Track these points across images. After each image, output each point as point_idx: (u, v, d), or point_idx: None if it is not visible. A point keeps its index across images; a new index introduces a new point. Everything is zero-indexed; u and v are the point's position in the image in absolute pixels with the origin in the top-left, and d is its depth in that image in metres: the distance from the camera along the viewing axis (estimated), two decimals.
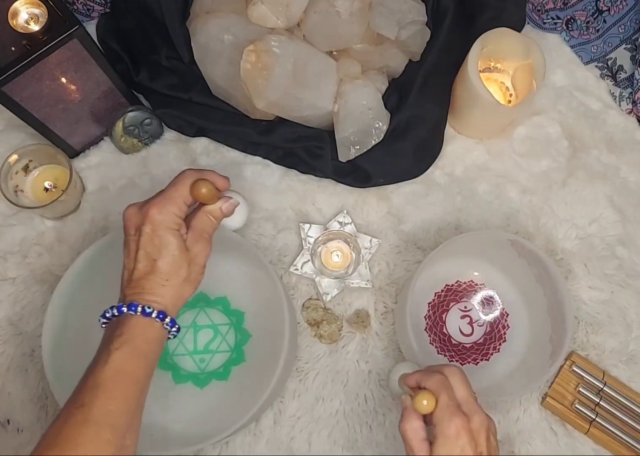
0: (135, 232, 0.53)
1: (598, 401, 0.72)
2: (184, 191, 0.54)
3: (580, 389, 0.72)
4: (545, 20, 0.88)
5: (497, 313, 0.75)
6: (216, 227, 0.56)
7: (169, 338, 0.54)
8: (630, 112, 0.86)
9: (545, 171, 0.82)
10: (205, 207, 0.56)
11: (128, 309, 0.50)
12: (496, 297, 0.76)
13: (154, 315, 0.51)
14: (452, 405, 0.50)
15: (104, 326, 0.53)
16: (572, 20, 0.86)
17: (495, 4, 0.82)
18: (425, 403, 0.50)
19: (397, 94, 0.79)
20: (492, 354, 0.74)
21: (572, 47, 0.88)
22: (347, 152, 0.77)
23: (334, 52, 0.78)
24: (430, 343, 0.75)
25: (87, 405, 0.47)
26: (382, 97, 0.78)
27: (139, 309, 0.50)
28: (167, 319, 0.52)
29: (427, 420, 0.52)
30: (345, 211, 0.78)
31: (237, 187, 0.79)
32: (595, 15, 0.84)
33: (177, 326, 0.53)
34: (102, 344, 0.51)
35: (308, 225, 0.77)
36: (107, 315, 0.52)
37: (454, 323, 0.75)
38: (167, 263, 0.52)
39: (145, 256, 0.52)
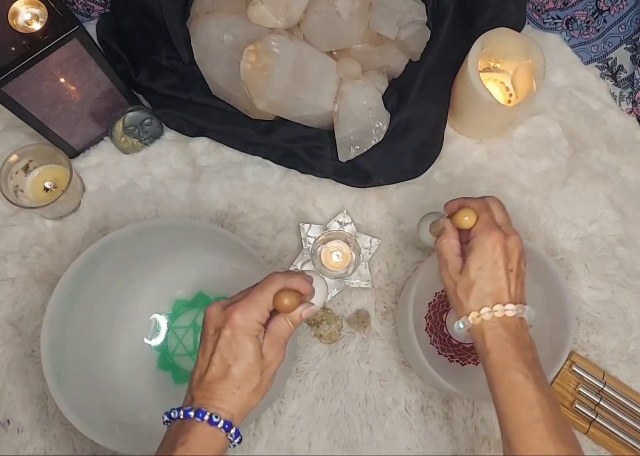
0: (214, 332, 0.50)
1: (598, 401, 0.72)
2: (270, 296, 0.50)
3: (580, 389, 0.72)
4: (545, 20, 0.88)
5: None
6: (293, 332, 0.53)
7: (232, 446, 0.51)
8: (630, 112, 0.86)
9: (545, 171, 0.82)
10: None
11: (195, 415, 0.48)
12: None
13: (219, 425, 0.48)
14: (492, 222, 0.54)
15: (167, 424, 0.51)
16: (572, 20, 0.86)
17: (495, 4, 0.82)
18: (467, 218, 0.54)
19: (397, 94, 0.79)
20: None
21: (572, 47, 0.88)
22: (347, 152, 0.77)
23: (334, 52, 0.78)
24: (430, 343, 0.74)
25: None
26: (382, 97, 0.78)
27: (207, 417, 0.48)
28: (233, 430, 0.49)
29: (463, 243, 0.56)
30: (345, 211, 0.78)
31: (237, 187, 0.80)
32: (595, 15, 0.84)
33: (240, 436, 0.50)
34: (164, 447, 0.49)
35: (308, 225, 0.77)
36: (173, 416, 0.50)
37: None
38: (241, 369, 0.49)
39: (221, 359, 0.49)
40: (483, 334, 0.53)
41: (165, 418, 0.51)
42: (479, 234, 0.54)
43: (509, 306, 0.53)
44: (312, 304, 0.53)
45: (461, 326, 0.55)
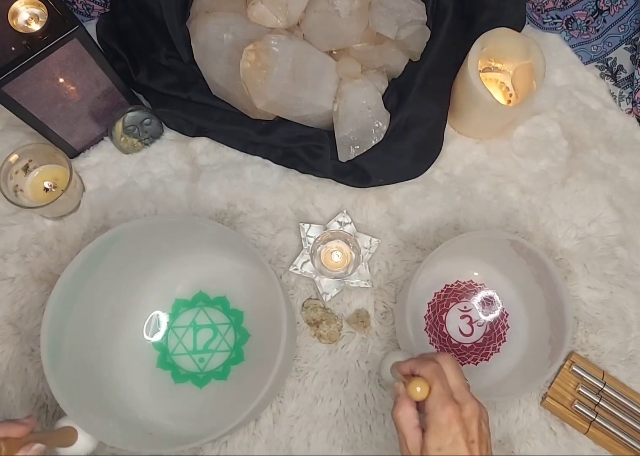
0: None
1: (598, 401, 0.72)
2: None
3: (580, 389, 0.72)
4: (545, 20, 0.88)
5: (497, 313, 0.75)
6: None
7: None
8: (630, 112, 0.86)
9: (544, 171, 0.82)
10: None
11: None
12: (496, 297, 0.76)
13: None
14: (444, 394, 0.51)
15: None
16: (572, 20, 0.86)
17: (495, 4, 0.82)
18: (418, 389, 0.51)
19: (396, 94, 0.79)
20: (491, 354, 0.74)
21: (572, 47, 0.88)
22: (346, 152, 0.77)
23: (334, 52, 0.78)
24: (430, 343, 0.75)
25: None
26: (382, 97, 0.78)
27: None
28: None
29: (420, 407, 0.52)
30: (344, 211, 0.78)
31: (237, 187, 0.80)
32: (595, 15, 0.84)
33: None
34: None
35: (308, 225, 0.77)
36: None
37: (453, 323, 0.75)
38: None
39: None
40: None
41: None
42: (432, 411, 0.50)
43: None
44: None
45: None
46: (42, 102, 0.69)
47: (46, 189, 0.76)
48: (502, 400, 0.72)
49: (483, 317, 0.75)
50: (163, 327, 0.73)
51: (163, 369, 0.72)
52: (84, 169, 0.80)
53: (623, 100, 0.86)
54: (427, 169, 0.80)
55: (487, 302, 0.76)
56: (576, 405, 0.71)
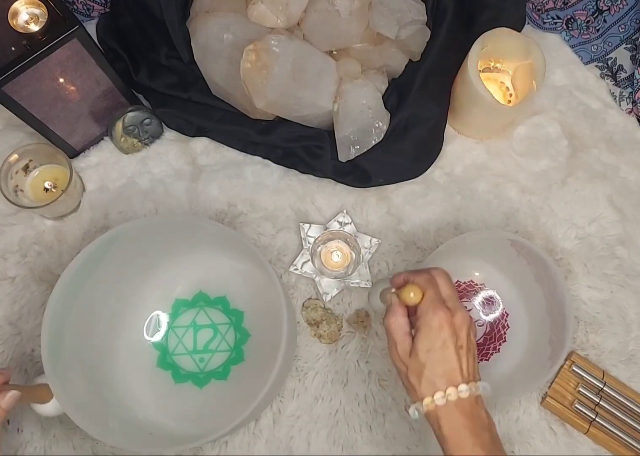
0: None
1: (598, 401, 0.72)
2: None
3: (580, 389, 0.72)
4: (545, 20, 0.88)
5: (497, 313, 0.75)
6: (2, 417, 0.55)
7: None
8: (630, 112, 0.86)
9: (545, 171, 0.82)
10: None
11: None
12: (496, 297, 0.76)
13: None
14: (437, 300, 0.53)
15: None
16: (572, 20, 0.86)
17: (495, 4, 0.82)
18: (412, 295, 0.53)
19: (397, 94, 0.79)
20: (492, 354, 0.74)
21: (572, 47, 0.88)
22: (347, 152, 0.77)
23: (334, 52, 0.78)
24: None
25: None
26: (382, 96, 0.78)
27: None
28: None
29: (411, 316, 0.55)
30: (345, 211, 0.78)
31: (237, 187, 0.80)
32: (595, 15, 0.84)
33: None
34: None
35: (308, 225, 0.77)
36: None
37: None
38: None
39: None
40: (438, 421, 0.52)
41: None
42: (424, 314, 0.53)
43: (462, 387, 0.52)
44: (11, 390, 0.55)
45: (416, 413, 0.53)
46: (42, 102, 0.69)
47: (46, 189, 0.76)
48: (502, 400, 0.72)
49: (483, 317, 0.75)
50: (163, 327, 0.73)
51: (163, 369, 0.72)
52: (84, 169, 0.80)
53: (623, 100, 0.86)
54: (427, 169, 0.80)
55: (488, 302, 0.76)
56: (576, 405, 0.71)
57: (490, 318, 0.75)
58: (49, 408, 0.59)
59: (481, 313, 0.75)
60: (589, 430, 0.71)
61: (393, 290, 0.57)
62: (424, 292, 0.54)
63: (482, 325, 0.75)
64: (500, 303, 0.76)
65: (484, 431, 0.51)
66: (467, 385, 0.52)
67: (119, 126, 0.79)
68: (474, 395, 0.52)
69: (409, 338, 0.54)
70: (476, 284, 0.76)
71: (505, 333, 0.75)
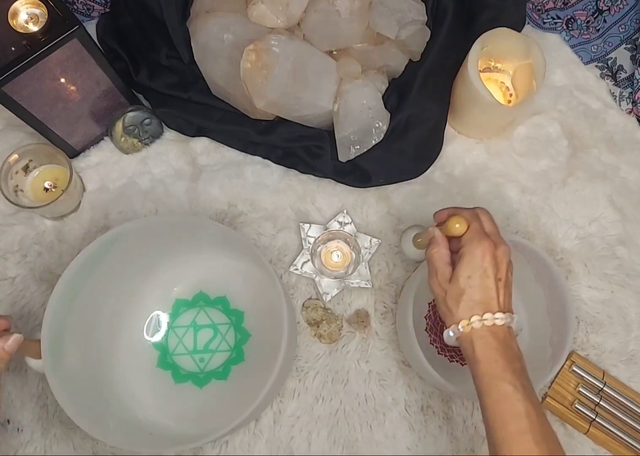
0: None
1: (598, 401, 0.72)
2: None
3: (580, 389, 0.72)
4: (545, 20, 0.88)
5: None
6: (6, 361, 0.56)
7: None
8: (630, 112, 0.86)
9: (545, 171, 0.82)
10: None
11: None
12: None
13: None
14: (482, 231, 0.55)
15: None
16: (572, 20, 0.86)
17: (495, 4, 0.82)
18: (457, 225, 0.55)
19: (397, 94, 0.79)
20: None
21: (572, 47, 0.88)
22: (347, 152, 0.77)
23: (334, 52, 0.78)
24: (430, 343, 0.74)
25: None
26: (382, 97, 0.78)
27: None
28: None
29: (453, 248, 0.57)
30: (345, 211, 0.78)
31: (237, 187, 0.80)
32: (595, 15, 0.84)
33: None
34: None
35: (308, 225, 0.77)
36: None
37: None
38: None
39: None
40: (472, 343, 0.53)
41: None
42: (469, 243, 0.55)
43: (499, 314, 0.54)
44: (13, 334, 0.55)
45: (451, 334, 0.55)
46: (43, 102, 0.69)
47: (46, 189, 0.76)
48: None
49: None
50: (163, 327, 0.73)
51: (163, 369, 0.72)
52: (84, 169, 0.80)
53: (623, 100, 0.86)
54: (427, 169, 0.80)
55: None
56: (576, 405, 0.71)
57: None
58: (42, 364, 0.60)
59: None
60: (589, 430, 0.71)
61: (435, 225, 0.60)
62: (469, 224, 0.56)
63: None
64: None
65: (514, 359, 0.53)
66: (503, 314, 0.54)
67: (119, 126, 0.79)
68: (508, 325, 0.54)
69: (450, 268, 0.56)
70: None
71: None
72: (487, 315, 0.53)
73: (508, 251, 0.56)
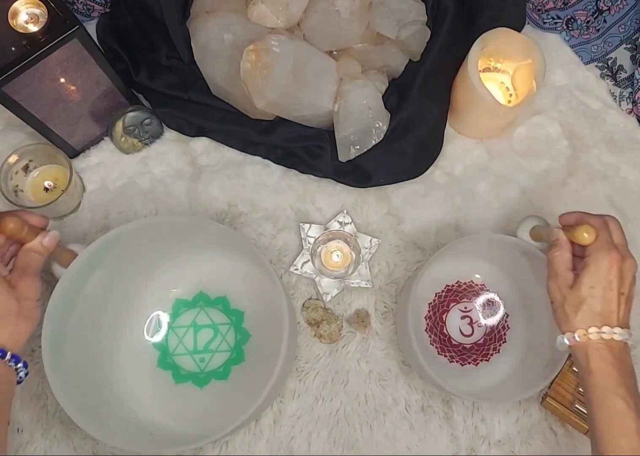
0: None
1: None
2: None
3: (580, 389, 0.72)
4: (545, 20, 0.88)
5: (498, 314, 0.75)
6: (40, 262, 0.57)
7: (20, 378, 0.54)
8: (630, 112, 0.86)
9: (545, 171, 0.82)
10: (25, 245, 0.56)
11: None
12: (496, 298, 0.76)
13: None
14: (610, 242, 0.54)
15: None
16: (572, 20, 0.86)
17: (495, 4, 0.82)
18: (586, 235, 0.54)
19: (397, 94, 0.79)
20: (492, 355, 0.74)
21: (572, 47, 0.88)
22: (347, 152, 0.77)
23: (334, 52, 0.78)
24: (430, 343, 0.75)
25: None
26: (382, 97, 0.78)
27: None
28: (8, 356, 0.52)
29: (576, 252, 0.57)
30: (345, 211, 0.78)
31: (237, 187, 0.80)
32: (595, 15, 0.84)
33: (22, 362, 0.54)
34: None
35: (308, 225, 0.77)
36: None
37: (454, 324, 0.75)
38: None
39: None
40: (587, 354, 0.53)
41: None
42: (597, 253, 0.54)
43: (617, 329, 0.53)
44: (50, 231, 0.57)
45: (565, 341, 0.55)
46: (43, 102, 0.69)
47: (46, 189, 0.76)
48: (502, 401, 0.72)
49: (484, 318, 0.75)
50: (164, 327, 0.73)
51: (163, 369, 0.72)
52: (84, 169, 0.80)
53: (623, 100, 0.86)
54: (427, 169, 0.80)
55: (488, 303, 0.76)
56: (576, 405, 0.71)
57: (491, 318, 0.75)
58: (65, 271, 0.61)
59: (481, 315, 0.75)
60: (589, 430, 0.71)
61: (560, 227, 0.59)
62: (597, 233, 0.55)
63: (482, 326, 0.75)
64: (501, 304, 0.76)
65: (628, 376, 0.53)
66: (621, 329, 0.53)
67: (119, 126, 0.79)
68: (624, 341, 0.54)
69: (571, 273, 0.56)
70: (476, 285, 0.76)
71: (505, 334, 0.75)
72: (606, 328, 0.53)
73: (635, 266, 0.55)
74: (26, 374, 0.55)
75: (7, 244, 0.56)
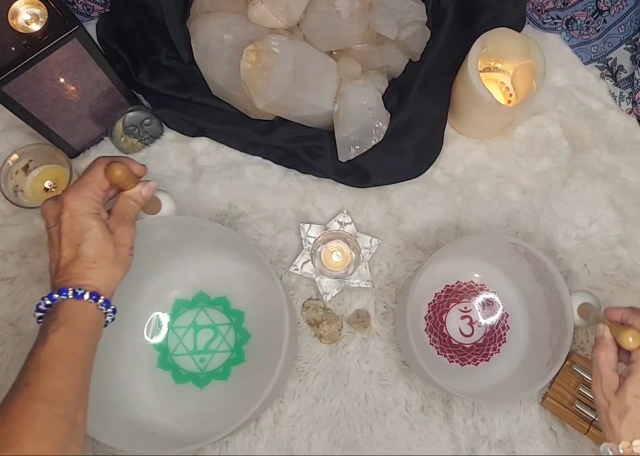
0: (55, 223, 0.53)
1: None
2: (97, 175, 0.54)
3: (580, 389, 0.72)
4: (545, 20, 0.88)
5: (498, 314, 0.75)
6: (137, 210, 0.57)
7: (107, 321, 0.54)
8: (630, 112, 0.86)
9: (545, 171, 0.82)
10: (125, 192, 0.56)
11: (60, 295, 0.50)
12: (496, 298, 0.76)
13: (86, 297, 0.51)
14: None
15: (39, 321, 0.52)
16: (572, 20, 0.86)
17: (495, 4, 0.82)
18: (631, 339, 0.53)
19: (397, 94, 0.79)
20: (492, 355, 0.74)
21: (572, 47, 0.88)
22: (347, 152, 0.77)
23: (334, 52, 0.78)
24: (430, 343, 0.75)
25: (32, 383, 0.47)
26: (382, 97, 0.78)
27: (70, 293, 0.50)
28: (101, 300, 0.52)
29: (621, 356, 0.56)
30: (345, 211, 0.78)
31: (237, 187, 0.80)
32: (595, 15, 0.84)
33: (112, 306, 0.54)
34: (39, 331, 0.51)
35: (308, 225, 0.77)
36: (41, 307, 0.51)
37: (454, 324, 0.75)
38: (91, 246, 0.52)
39: (69, 243, 0.52)
40: None
41: (37, 315, 0.52)
42: None
43: None
44: (149, 181, 0.57)
45: (610, 452, 0.54)
46: (43, 102, 0.69)
47: (46, 189, 0.76)
48: (502, 401, 0.72)
49: (483, 318, 0.75)
50: (164, 328, 0.73)
51: (163, 369, 0.72)
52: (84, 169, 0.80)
53: (623, 100, 0.86)
54: (427, 169, 0.80)
55: (488, 303, 0.76)
56: (576, 405, 0.71)
57: (491, 318, 0.75)
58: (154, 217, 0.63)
59: (481, 315, 0.75)
60: (589, 430, 0.71)
61: (604, 320, 0.57)
62: None
63: (482, 326, 0.75)
64: (501, 304, 0.76)
65: None
66: None
67: (119, 126, 0.79)
68: None
69: (617, 376, 0.54)
70: (476, 285, 0.76)
71: (505, 334, 0.75)
72: None
73: None
74: (113, 319, 0.55)
75: (109, 190, 0.56)
